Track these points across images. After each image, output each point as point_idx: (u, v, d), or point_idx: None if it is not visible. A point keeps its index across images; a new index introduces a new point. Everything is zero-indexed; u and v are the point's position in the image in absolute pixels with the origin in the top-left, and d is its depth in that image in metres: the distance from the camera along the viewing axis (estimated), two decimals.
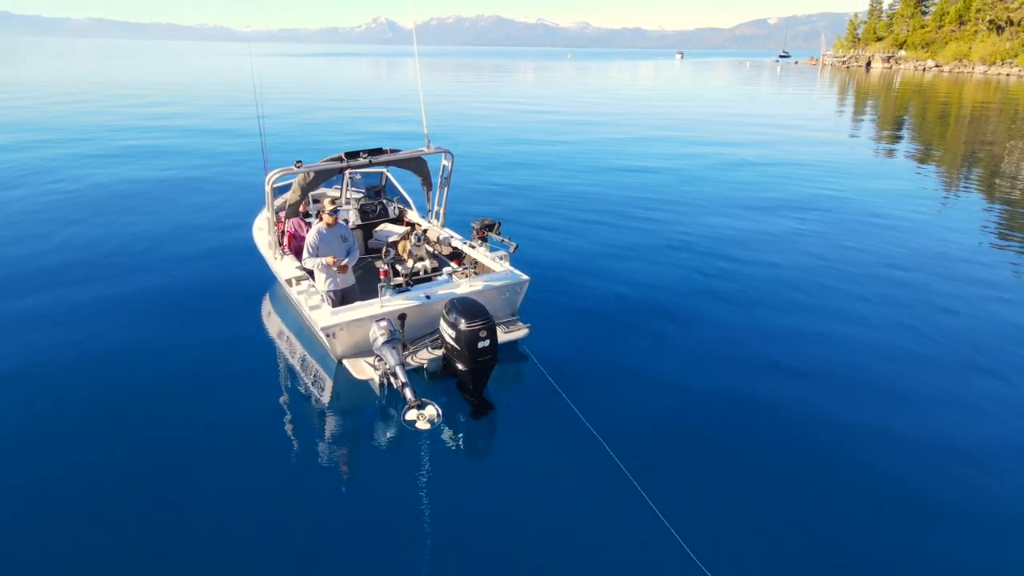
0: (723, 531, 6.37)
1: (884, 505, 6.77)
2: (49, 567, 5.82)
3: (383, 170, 13.84)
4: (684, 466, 7.35)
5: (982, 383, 9.16)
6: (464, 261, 10.84)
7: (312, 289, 9.39)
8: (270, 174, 10.01)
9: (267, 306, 11.40)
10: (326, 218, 9.43)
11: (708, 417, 8.28)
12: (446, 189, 11.83)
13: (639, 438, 7.73)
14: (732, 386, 8.99)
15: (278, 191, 11.30)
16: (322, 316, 8.85)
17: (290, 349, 9.86)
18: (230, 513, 6.49)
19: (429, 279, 10.04)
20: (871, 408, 8.52)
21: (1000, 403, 8.67)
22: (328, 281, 9.53)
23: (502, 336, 9.25)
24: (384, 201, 13.54)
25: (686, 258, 14.26)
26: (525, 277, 9.95)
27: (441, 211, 12.12)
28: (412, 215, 13.33)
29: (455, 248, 11.28)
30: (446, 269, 10.16)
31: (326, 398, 8.59)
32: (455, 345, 8.14)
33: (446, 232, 11.80)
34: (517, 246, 10.62)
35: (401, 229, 12.38)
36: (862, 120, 45.21)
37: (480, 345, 8.01)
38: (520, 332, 9.66)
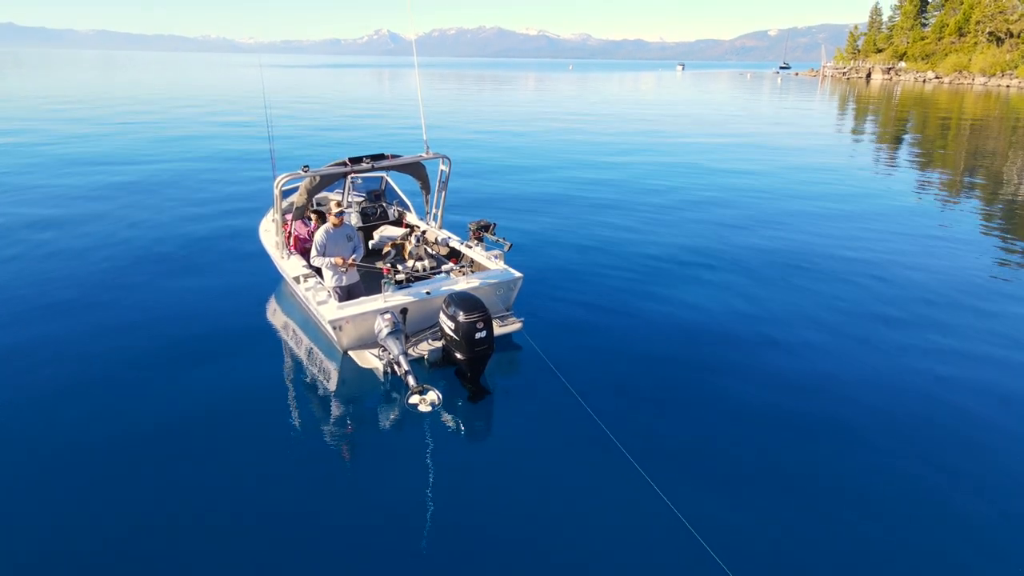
0: (711, 498, 6.87)
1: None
2: (65, 549, 6.21)
3: (383, 175, 14.42)
4: (672, 440, 7.90)
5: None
6: (461, 260, 11.40)
7: (319, 285, 9.95)
8: (279, 178, 10.56)
9: (273, 303, 11.93)
10: (332, 219, 10.02)
11: (694, 400, 8.83)
12: (444, 192, 12.38)
13: (629, 419, 8.27)
14: (716, 373, 9.54)
15: (285, 194, 11.84)
16: (329, 310, 9.42)
17: (297, 342, 10.40)
18: (242, 493, 6.95)
19: (428, 277, 10.62)
20: (877, 400, 9.05)
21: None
22: (335, 278, 10.12)
23: (498, 329, 9.79)
24: (384, 204, 14.11)
25: (677, 259, 14.81)
26: (519, 274, 10.53)
27: (439, 213, 12.66)
28: (411, 217, 13.89)
29: (452, 248, 11.84)
30: (444, 267, 10.71)
31: (333, 386, 9.14)
32: (454, 336, 8.70)
33: (444, 233, 12.34)
34: (511, 245, 11.21)
35: (401, 231, 12.92)
36: (864, 131, 45.76)
37: (477, 336, 8.58)
38: (514, 326, 10.22)
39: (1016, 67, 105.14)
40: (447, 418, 8.31)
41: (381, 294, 9.62)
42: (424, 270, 10.83)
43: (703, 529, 6.38)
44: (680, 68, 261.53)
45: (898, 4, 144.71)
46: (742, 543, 6.33)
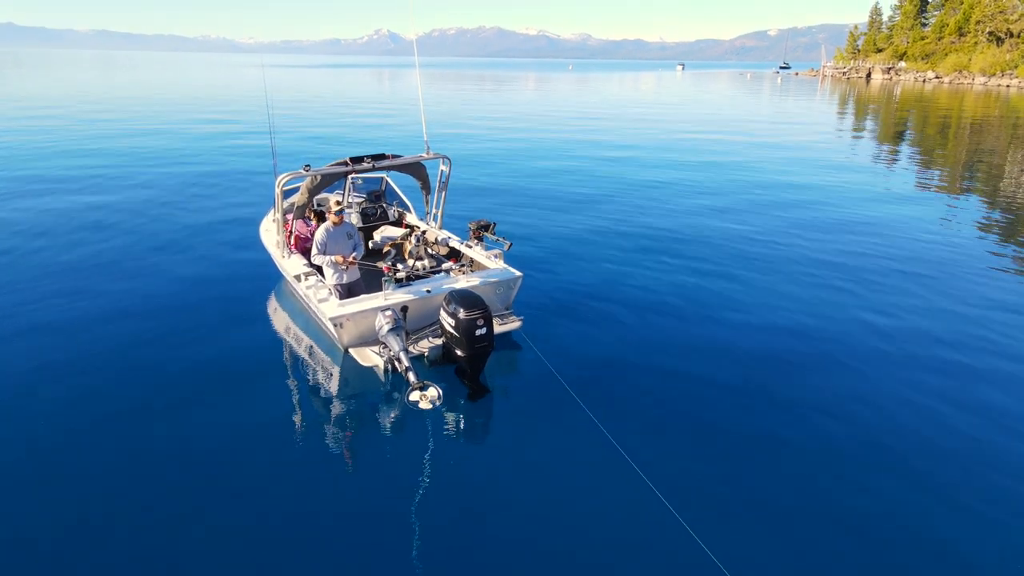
0: (708, 494, 6.97)
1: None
2: (62, 547, 6.25)
3: (383, 175, 14.50)
4: (669, 440, 7.97)
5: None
6: (461, 259, 11.48)
7: (319, 284, 10.04)
8: (280, 177, 10.64)
9: (274, 302, 12.01)
10: (332, 217, 10.10)
11: (690, 400, 8.90)
12: (444, 193, 12.46)
13: (626, 418, 8.35)
14: (713, 375, 9.63)
15: (287, 194, 11.91)
16: (330, 308, 9.50)
17: (298, 340, 10.48)
18: (242, 491, 7.01)
19: (428, 276, 10.70)
20: (875, 398, 9.16)
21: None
22: (335, 276, 10.22)
23: (497, 327, 9.86)
24: (384, 205, 14.20)
25: (672, 258, 14.89)
26: (518, 273, 10.62)
27: (439, 214, 12.73)
28: (411, 218, 13.98)
29: (452, 248, 11.92)
30: (444, 266, 10.80)
31: (334, 383, 9.22)
32: (454, 333, 8.78)
33: (444, 234, 12.41)
34: (511, 245, 11.31)
35: (401, 231, 12.99)
36: (864, 131, 45.84)
37: (477, 333, 8.65)
38: (514, 324, 10.31)
39: (1016, 67, 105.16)
40: (447, 416, 8.39)
41: (382, 292, 9.71)
42: (424, 269, 10.91)
43: (698, 528, 6.45)
44: (680, 68, 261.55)
45: (898, 4, 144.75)
46: (738, 541, 6.41)
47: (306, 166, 10.49)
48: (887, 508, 6.89)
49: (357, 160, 10.78)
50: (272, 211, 12.98)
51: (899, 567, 6.15)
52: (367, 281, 10.69)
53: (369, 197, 14.35)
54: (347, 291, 10.25)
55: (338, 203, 10.21)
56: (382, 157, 10.98)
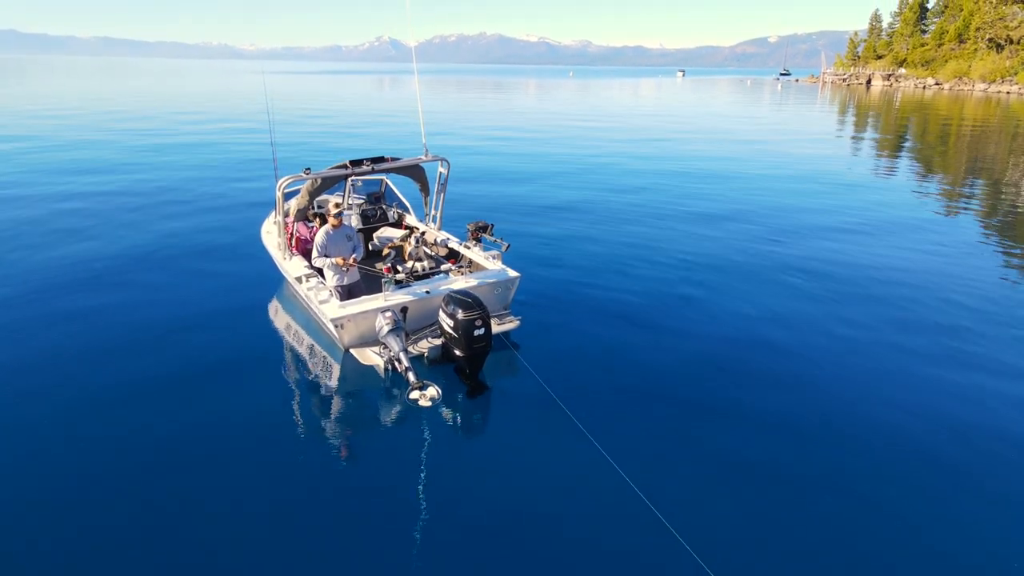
0: (687, 493, 7.07)
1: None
2: (61, 553, 6.21)
3: (383, 177, 14.59)
4: (654, 441, 8.07)
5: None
6: (460, 260, 11.58)
7: (320, 285, 10.13)
8: (281, 180, 10.75)
9: (275, 303, 12.09)
10: (331, 220, 10.23)
11: (679, 401, 8.99)
12: (442, 195, 12.55)
13: (617, 421, 8.45)
14: (702, 374, 9.73)
15: (287, 196, 12.01)
16: (331, 309, 9.60)
17: (299, 340, 10.57)
18: (244, 488, 7.08)
19: (427, 277, 10.79)
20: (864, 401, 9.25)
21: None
22: (336, 277, 10.33)
23: (495, 327, 9.96)
24: (384, 206, 14.29)
25: (670, 260, 14.99)
26: (516, 274, 10.72)
27: (438, 215, 12.82)
28: (411, 219, 14.07)
29: (451, 249, 12.02)
30: (443, 267, 10.90)
31: (335, 383, 9.31)
32: (453, 333, 8.89)
33: (443, 235, 12.51)
34: (509, 246, 11.41)
35: (400, 233, 13.08)
36: (864, 137, 45.95)
37: (476, 333, 8.77)
38: (511, 324, 10.41)
39: (1016, 73, 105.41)
40: (446, 413, 8.48)
41: (381, 293, 9.80)
42: (423, 271, 11.00)
43: (686, 531, 6.53)
44: (680, 74, 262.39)
45: (898, 11, 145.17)
46: (719, 537, 6.52)
47: (306, 169, 10.58)
48: (876, 513, 6.98)
49: (357, 163, 10.88)
50: (273, 213, 13.08)
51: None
52: (367, 282, 10.78)
53: (369, 199, 14.44)
54: (347, 292, 10.35)
55: (338, 205, 10.31)
56: (381, 160, 11.08)
